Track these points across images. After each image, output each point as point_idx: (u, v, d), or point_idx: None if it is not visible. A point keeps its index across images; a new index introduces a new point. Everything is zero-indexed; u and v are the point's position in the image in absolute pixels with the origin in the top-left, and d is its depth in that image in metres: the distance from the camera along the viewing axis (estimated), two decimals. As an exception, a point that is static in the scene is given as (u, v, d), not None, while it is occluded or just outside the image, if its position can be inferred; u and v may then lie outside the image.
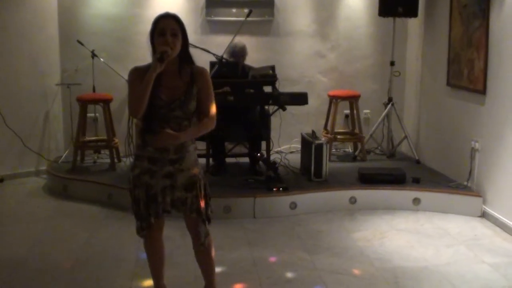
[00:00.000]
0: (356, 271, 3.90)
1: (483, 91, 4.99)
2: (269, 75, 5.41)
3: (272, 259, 4.09)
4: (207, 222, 3.13)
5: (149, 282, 3.58)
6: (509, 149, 4.67)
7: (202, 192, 3.10)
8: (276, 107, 5.47)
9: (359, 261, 4.07)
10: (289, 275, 3.84)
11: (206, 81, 3.02)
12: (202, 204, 3.09)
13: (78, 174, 5.71)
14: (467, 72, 5.26)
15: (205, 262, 3.25)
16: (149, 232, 3.17)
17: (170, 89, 2.95)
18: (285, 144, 6.74)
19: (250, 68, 5.69)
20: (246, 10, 6.38)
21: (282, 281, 3.73)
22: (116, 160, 6.00)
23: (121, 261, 4.04)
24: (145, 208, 3.05)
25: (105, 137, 6.10)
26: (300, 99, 5.45)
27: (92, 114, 6.39)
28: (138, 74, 2.92)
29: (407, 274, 3.84)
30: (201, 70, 3.04)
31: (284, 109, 5.33)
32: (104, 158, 6.28)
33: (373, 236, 4.57)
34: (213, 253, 3.24)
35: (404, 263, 4.03)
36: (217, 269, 3.81)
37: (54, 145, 6.43)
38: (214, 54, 5.54)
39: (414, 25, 6.62)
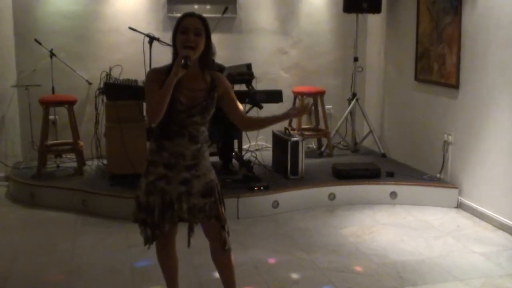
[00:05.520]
0: (358, 268, 3.91)
1: (456, 86, 5.13)
2: (246, 73, 5.34)
3: (271, 260, 4.03)
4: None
5: (153, 290, 3.50)
6: (483, 141, 4.84)
7: (220, 197, 3.01)
8: (250, 106, 5.39)
9: (357, 258, 4.09)
10: (294, 276, 3.80)
11: (228, 84, 2.96)
12: (221, 209, 3.00)
13: (45, 180, 5.38)
14: (437, 67, 5.39)
15: (227, 269, 3.12)
16: (164, 240, 3.04)
17: (191, 92, 2.84)
18: (250, 141, 6.65)
19: (220, 66, 5.56)
20: (208, 7, 6.40)
21: (289, 283, 3.69)
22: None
23: (115, 271, 3.86)
24: (161, 215, 2.92)
25: (68, 141, 5.81)
26: (275, 97, 5.46)
27: (52, 117, 6.05)
28: (155, 77, 2.82)
29: (408, 268, 3.90)
30: (220, 75, 2.97)
31: (260, 107, 5.27)
32: (66, 162, 5.98)
33: (362, 231, 4.61)
34: (233, 260, 3.14)
35: (401, 257, 4.09)
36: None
37: (11, 150, 6.02)
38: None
39: (375, 21, 6.71)
